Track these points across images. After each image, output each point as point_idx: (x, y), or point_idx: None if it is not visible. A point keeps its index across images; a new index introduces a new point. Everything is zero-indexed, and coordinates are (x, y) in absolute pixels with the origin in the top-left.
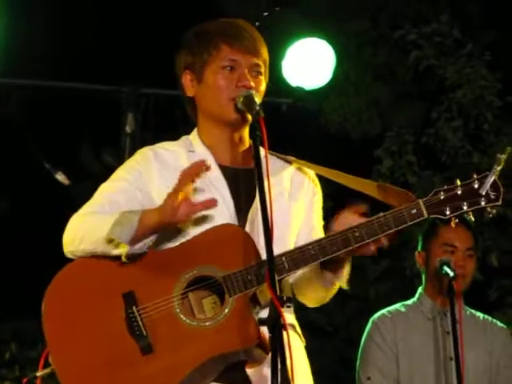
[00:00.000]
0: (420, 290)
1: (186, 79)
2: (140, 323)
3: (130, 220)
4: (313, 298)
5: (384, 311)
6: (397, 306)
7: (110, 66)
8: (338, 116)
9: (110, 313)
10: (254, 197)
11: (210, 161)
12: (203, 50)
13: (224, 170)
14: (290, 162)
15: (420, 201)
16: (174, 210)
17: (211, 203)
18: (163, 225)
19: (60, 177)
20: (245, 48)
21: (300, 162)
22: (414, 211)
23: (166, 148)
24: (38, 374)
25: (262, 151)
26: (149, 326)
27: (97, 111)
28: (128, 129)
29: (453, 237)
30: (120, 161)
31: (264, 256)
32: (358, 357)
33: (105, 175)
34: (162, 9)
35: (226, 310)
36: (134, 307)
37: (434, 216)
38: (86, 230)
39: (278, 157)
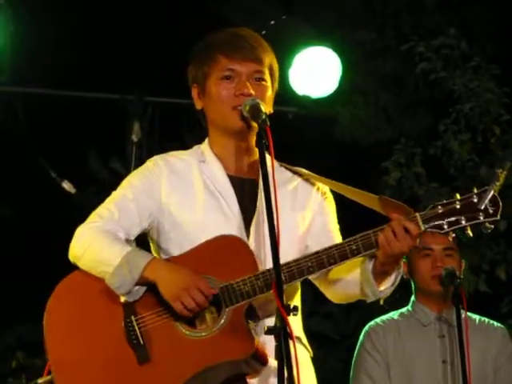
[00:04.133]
0: (412, 298)
1: (194, 93)
2: (138, 332)
3: (131, 271)
4: (349, 298)
5: (377, 320)
6: (391, 314)
7: (116, 74)
8: (347, 125)
9: (109, 321)
10: (257, 207)
11: (220, 171)
12: (203, 63)
13: (232, 179)
14: (299, 174)
15: (418, 214)
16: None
17: None
18: (162, 287)
19: (66, 185)
20: (242, 56)
21: (309, 175)
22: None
23: (177, 156)
24: (40, 380)
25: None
26: (146, 336)
27: (103, 120)
28: (134, 137)
29: (428, 240)
30: (126, 169)
31: (264, 266)
32: (352, 366)
33: (111, 183)
34: (168, 19)
35: (222, 321)
36: (132, 316)
37: (431, 230)
38: (89, 256)
39: (286, 168)
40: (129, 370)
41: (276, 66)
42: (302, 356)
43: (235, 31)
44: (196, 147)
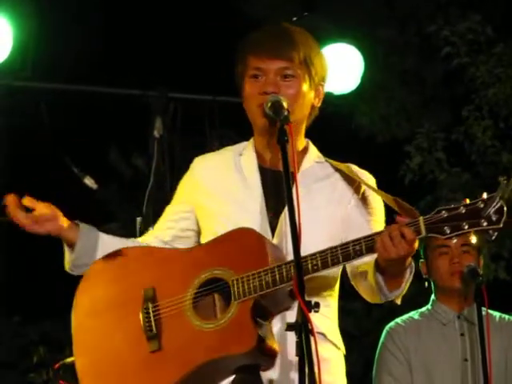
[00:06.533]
0: (432, 297)
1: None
2: (152, 320)
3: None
4: (372, 298)
5: (398, 320)
6: (411, 314)
7: (139, 70)
8: (368, 121)
9: (129, 307)
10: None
11: (253, 161)
12: (238, 64)
13: (263, 170)
14: (338, 170)
15: (421, 218)
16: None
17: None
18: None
19: (88, 181)
20: (268, 54)
21: (352, 172)
22: (413, 229)
23: (217, 152)
24: (68, 360)
25: (315, 157)
26: (159, 324)
27: (125, 116)
28: (156, 133)
29: None
30: (148, 165)
31: (290, 258)
32: (374, 365)
33: (133, 179)
34: (191, 16)
35: (229, 314)
36: (149, 303)
37: (432, 235)
38: None
39: (331, 164)
40: (141, 357)
41: (316, 58)
42: (327, 354)
43: (266, 29)
44: (244, 142)
